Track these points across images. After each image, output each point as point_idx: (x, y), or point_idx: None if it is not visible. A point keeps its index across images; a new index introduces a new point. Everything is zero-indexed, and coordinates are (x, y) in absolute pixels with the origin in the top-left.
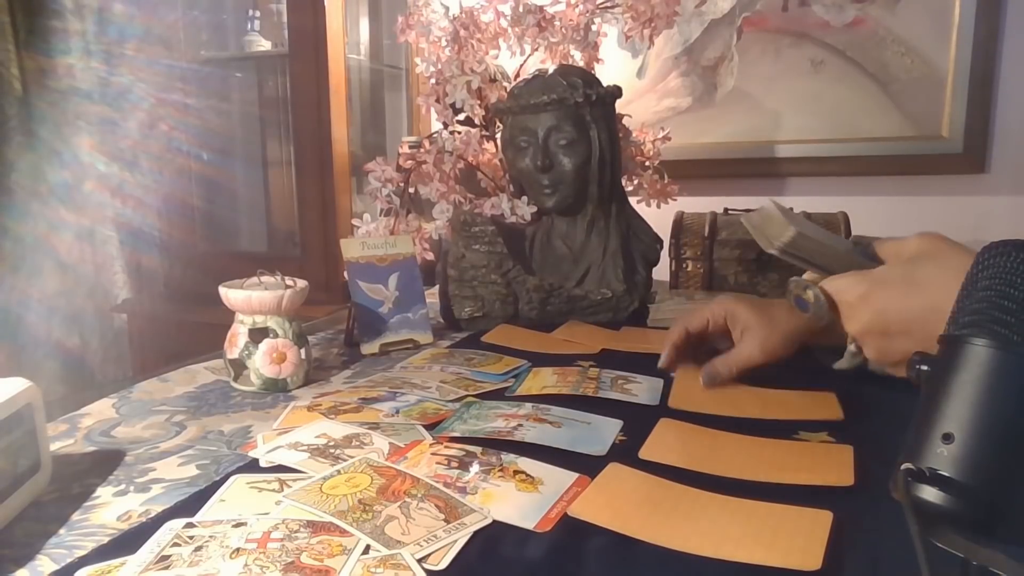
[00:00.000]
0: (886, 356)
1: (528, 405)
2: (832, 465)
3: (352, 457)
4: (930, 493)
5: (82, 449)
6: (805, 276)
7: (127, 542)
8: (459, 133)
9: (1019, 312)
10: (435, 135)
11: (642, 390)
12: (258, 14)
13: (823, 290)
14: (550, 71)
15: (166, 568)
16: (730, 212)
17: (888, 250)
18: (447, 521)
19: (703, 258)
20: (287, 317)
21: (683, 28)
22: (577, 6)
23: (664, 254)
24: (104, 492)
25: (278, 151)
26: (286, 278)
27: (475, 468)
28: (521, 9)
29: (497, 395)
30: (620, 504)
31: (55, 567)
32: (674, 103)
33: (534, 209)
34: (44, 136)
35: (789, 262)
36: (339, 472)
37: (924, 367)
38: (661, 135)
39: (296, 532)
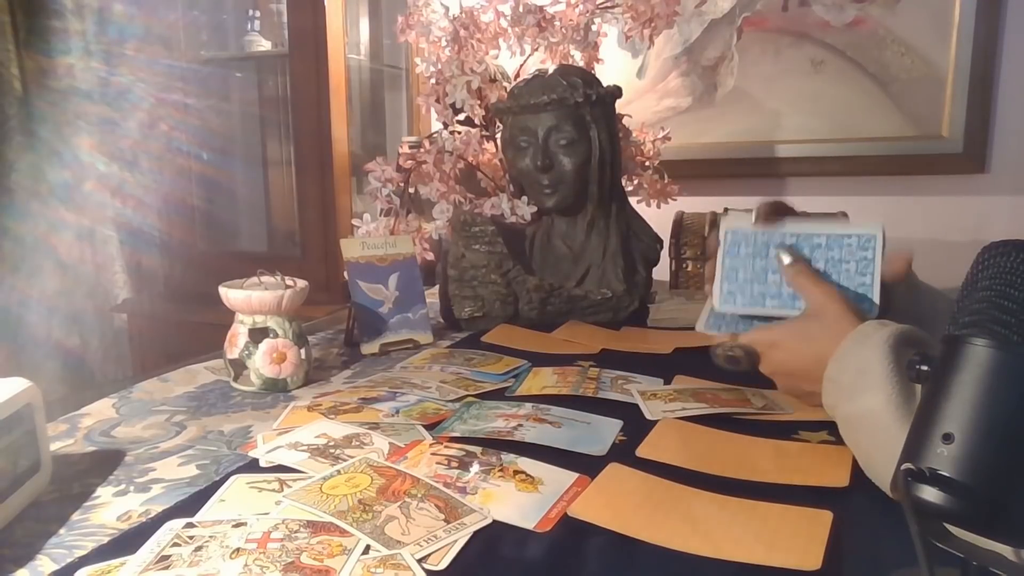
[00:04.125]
0: (792, 391)
1: (528, 405)
2: (829, 466)
3: (352, 457)
4: (930, 493)
5: (82, 449)
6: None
7: (127, 542)
8: (459, 133)
9: (1019, 312)
10: (435, 135)
11: (642, 390)
12: (258, 14)
13: (743, 344)
14: (550, 71)
15: (166, 568)
16: (730, 212)
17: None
18: (447, 521)
19: (703, 258)
20: (287, 317)
21: (683, 28)
22: (577, 6)
23: (664, 254)
24: (104, 492)
25: (278, 151)
26: (286, 278)
27: (475, 468)
28: (521, 9)
29: (497, 395)
30: (620, 504)
31: (55, 567)
32: (674, 103)
33: (534, 209)
34: (44, 136)
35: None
36: (339, 472)
37: (924, 367)
38: (661, 135)
39: (296, 532)
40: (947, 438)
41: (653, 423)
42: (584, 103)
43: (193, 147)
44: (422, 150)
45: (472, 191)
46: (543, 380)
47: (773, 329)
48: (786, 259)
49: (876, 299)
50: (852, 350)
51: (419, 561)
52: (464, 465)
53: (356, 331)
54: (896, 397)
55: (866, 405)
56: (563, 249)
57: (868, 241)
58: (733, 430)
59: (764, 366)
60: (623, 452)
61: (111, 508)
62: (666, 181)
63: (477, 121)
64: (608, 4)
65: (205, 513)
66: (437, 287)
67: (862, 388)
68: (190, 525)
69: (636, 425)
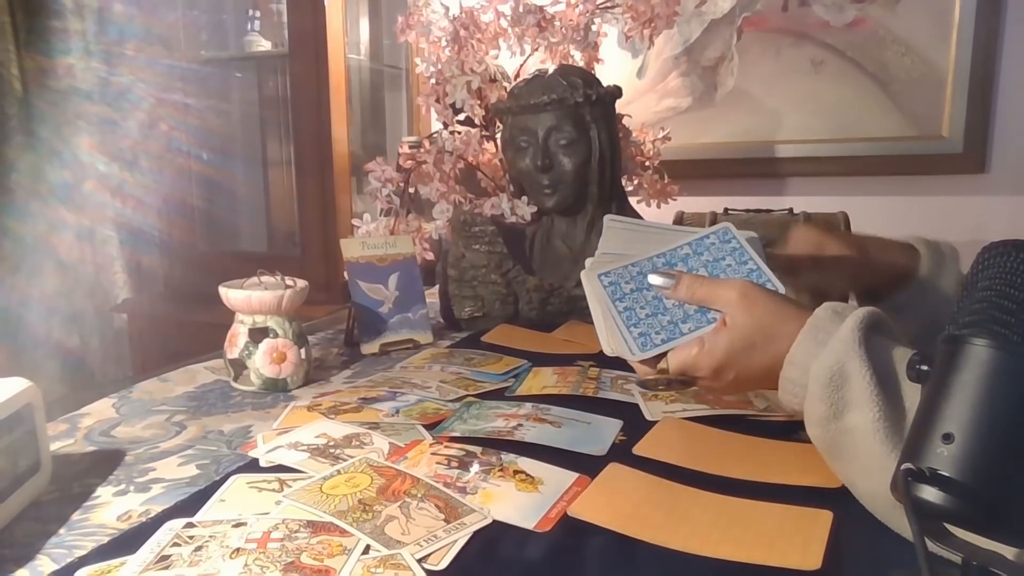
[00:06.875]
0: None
1: (528, 405)
2: (824, 466)
3: (352, 457)
4: (930, 493)
5: (82, 449)
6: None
7: (127, 542)
8: (459, 133)
9: (1019, 312)
10: (435, 135)
11: (642, 390)
12: (258, 14)
13: (676, 378)
14: (550, 71)
15: (166, 568)
16: (730, 212)
17: (706, 292)
18: (447, 521)
19: None
20: (287, 317)
21: (683, 28)
22: (577, 6)
23: None
24: (104, 492)
25: (278, 151)
26: (286, 278)
27: (475, 468)
28: (521, 9)
29: (497, 395)
30: (620, 504)
31: (55, 567)
32: (674, 103)
33: (534, 209)
34: (44, 136)
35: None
36: (339, 472)
37: (924, 367)
38: (661, 135)
39: (296, 532)
40: (947, 438)
41: (653, 423)
42: (584, 103)
43: (193, 147)
44: (422, 150)
45: (472, 191)
46: (543, 380)
47: (709, 353)
48: (659, 280)
49: (773, 280)
50: (811, 350)
51: (419, 561)
52: (464, 465)
53: (356, 331)
54: (886, 410)
55: (852, 423)
56: (563, 249)
57: (725, 234)
58: (733, 430)
59: (715, 387)
60: (623, 452)
61: (111, 508)
62: (666, 181)
63: (477, 121)
64: (608, 4)
65: (205, 513)
66: (437, 287)
67: (845, 403)
68: (190, 525)
69: (636, 425)
